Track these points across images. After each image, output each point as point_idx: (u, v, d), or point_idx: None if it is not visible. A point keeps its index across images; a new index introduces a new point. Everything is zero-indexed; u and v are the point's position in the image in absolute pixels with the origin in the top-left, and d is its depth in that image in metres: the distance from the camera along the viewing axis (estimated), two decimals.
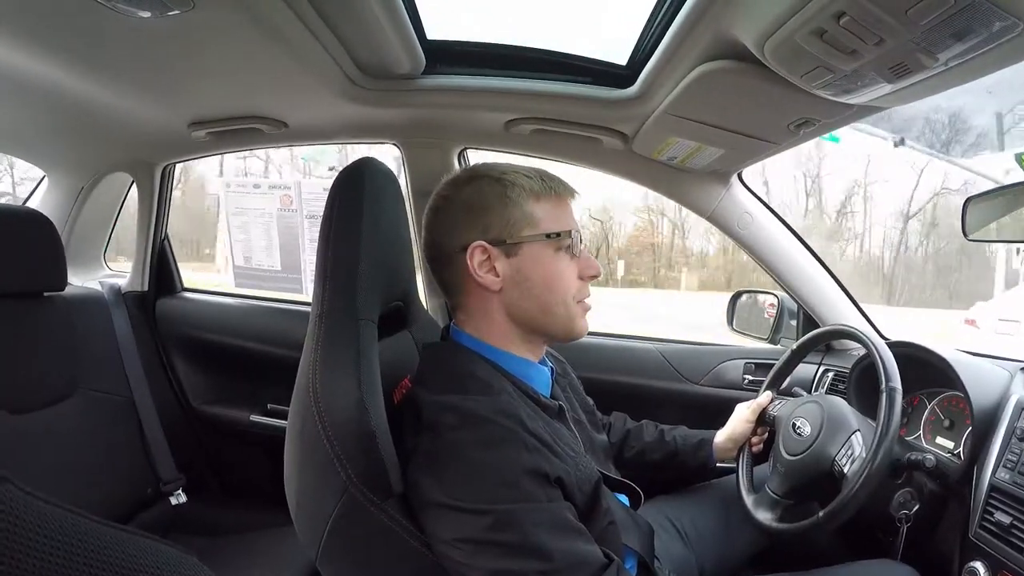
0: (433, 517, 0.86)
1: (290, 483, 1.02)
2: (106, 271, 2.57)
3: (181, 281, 2.50)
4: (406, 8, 1.22)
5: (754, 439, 1.47)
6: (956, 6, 0.78)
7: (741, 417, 1.48)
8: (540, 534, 0.82)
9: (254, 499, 2.04)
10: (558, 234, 1.02)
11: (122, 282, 2.37)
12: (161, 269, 2.41)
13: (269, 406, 2.24)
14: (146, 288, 2.37)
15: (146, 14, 1.09)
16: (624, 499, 1.20)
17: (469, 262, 0.98)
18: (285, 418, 2.09)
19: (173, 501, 2.01)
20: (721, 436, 1.47)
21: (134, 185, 2.35)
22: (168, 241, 2.43)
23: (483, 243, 0.99)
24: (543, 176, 1.05)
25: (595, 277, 1.07)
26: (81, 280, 2.30)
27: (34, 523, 0.44)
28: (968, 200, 1.41)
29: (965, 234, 1.42)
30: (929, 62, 0.93)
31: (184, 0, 1.05)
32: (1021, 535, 1.15)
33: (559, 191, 1.05)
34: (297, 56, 1.31)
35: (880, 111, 1.23)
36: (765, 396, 1.50)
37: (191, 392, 2.35)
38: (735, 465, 1.45)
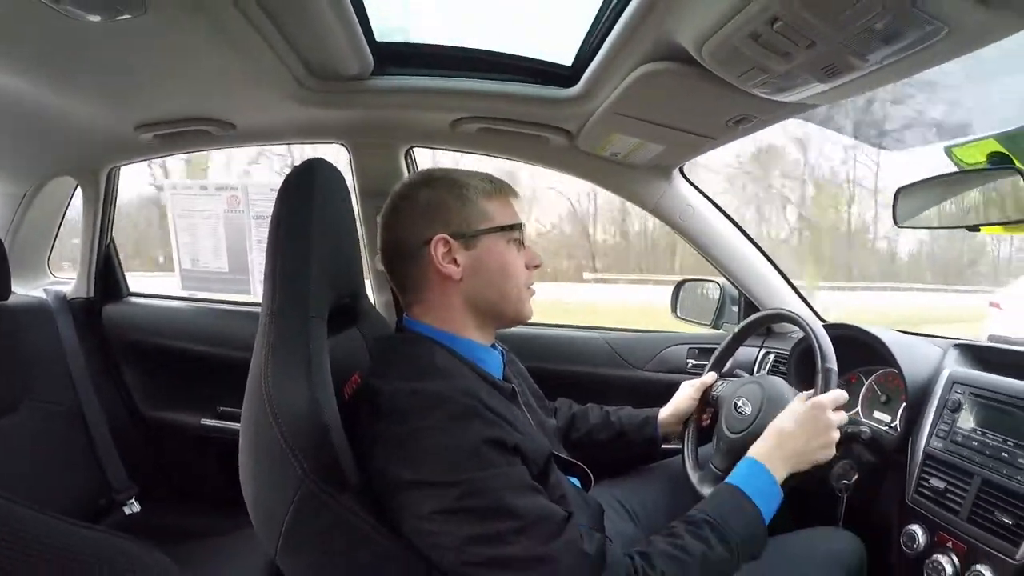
0: (405, 498, 0.91)
1: (246, 481, 1.04)
2: (51, 278, 2.51)
3: (127, 286, 2.46)
4: (355, 10, 1.24)
5: (704, 416, 1.53)
6: (884, 12, 0.84)
7: (685, 394, 1.55)
8: (507, 496, 0.89)
9: (208, 504, 2.02)
10: (511, 227, 1.13)
11: (67, 289, 2.33)
12: (107, 274, 2.37)
13: (220, 409, 2.23)
14: (92, 294, 2.32)
15: (95, 18, 1.08)
16: (575, 481, 1.25)
17: (433, 253, 1.07)
18: (236, 421, 2.09)
19: (127, 511, 1.99)
20: (665, 412, 1.54)
21: (78, 189, 2.30)
22: (114, 246, 2.39)
23: (445, 236, 1.07)
24: (491, 179, 1.17)
25: (538, 267, 1.19)
26: (25, 289, 2.27)
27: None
28: (899, 190, 1.48)
29: (896, 222, 1.48)
30: (858, 63, 0.99)
31: (136, 4, 1.05)
32: (954, 498, 1.23)
33: (506, 191, 1.17)
34: (246, 58, 1.32)
35: (814, 108, 1.30)
36: (710, 376, 1.56)
37: (140, 399, 2.31)
38: (681, 445, 1.50)
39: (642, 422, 1.54)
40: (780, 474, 1.11)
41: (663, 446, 1.55)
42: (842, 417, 1.18)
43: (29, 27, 1.15)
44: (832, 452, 1.16)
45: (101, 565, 0.58)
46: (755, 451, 1.15)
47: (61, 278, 2.52)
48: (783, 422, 1.17)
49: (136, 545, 0.64)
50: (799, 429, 1.14)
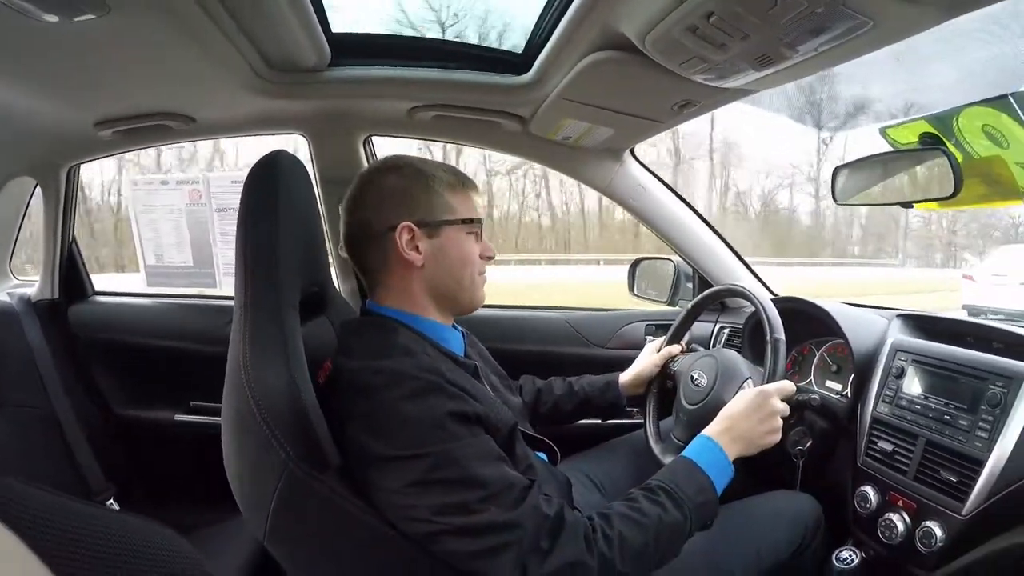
0: (378, 472, 0.95)
1: (231, 470, 1.06)
2: (13, 281, 2.47)
3: (92, 285, 2.43)
4: (311, 2, 1.25)
5: (664, 386, 1.59)
6: (811, 7, 0.90)
7: (648, 359, 1.62)
8: (473, 466, 0.94)
9: (187, 499, 2.02)
10: (471, 220, 1.18)
11: (31, 291, 2.30)
12: (71, 274, 2.33)
13: (192, 404, 2.23)
14: (57, 295, 2.29)
15: (53, 18, 1.08)
16: (542, 456, 1.31)
17: (398, 240, 1.10)
18: (210, 415, 2.11)
19: None
20: (627, 375, 1.61)
21: (38, 189, 2.25)
22: (76, 245, 2.35)
23: (410, 224, 1.11)
24: (456, 172, 1.21)
25: (492, 258, 1.25)
26: None
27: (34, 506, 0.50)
28: (836, 169, 1.54)
29: (835, 199, 1.54)
30: (790, 54, 1.06)
31: (99, 5, 1.05)
32: (902, 459, 1.32)
33: (468, 185, 1.21)
34: (205, 52, 1.32)
35: (754, 93, 1.36)
36: (675, 347, 1.62)
37: (112, 398, 2.30)
38: (643, 419, 1.55)
39: (604, 387, 1.61)
40: (731, 454, 1.16)
41: (627, 420, 1.61)
42: (785, 408, 1.24)
43: None
44: (778, 437, 1.22)
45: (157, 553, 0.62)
46: (709, 430, 1.20)
47: (24, 280, 2.49)
48: (733, 407, 1.22)
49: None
50: (747, 414, 1.20)
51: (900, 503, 1.30)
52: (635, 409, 1.62)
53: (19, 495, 0.53)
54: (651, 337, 2.05)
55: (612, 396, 1.60)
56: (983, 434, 1.20)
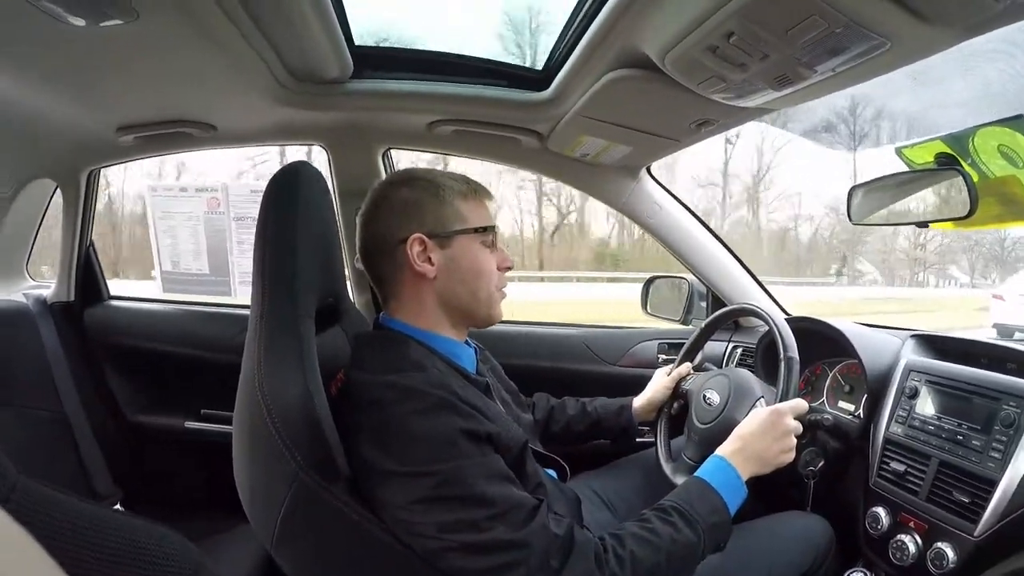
0: (386, 486, 0.94)
1: (241, 478, 1.07)
2: (29, 282, 2.48)
3: (108, 289, 2.44)
4: (336, 15, 1.26)
5: (674, 407, 1.59)
6: (829, 28, 0.91)
7: (659, 383, 1.62)
8: (481, 485, 0.93)
9: (194, 506, 2.02)
10: (484, 229, 1.16)
11: (47, 292, 2.31)
12: (87, 278, 2.34)
13: (203, 412, 2.23)
14: (72, 298, 2.30)
15: (79, 21, 1.09)
16: (552, 473, 1.30)
17: (409, 252, 1.10)
18: (219, 423, 2.11)
19: None
20: (640, 400, 1.61)
21: (57, 191, 2.27)
22: (93, 248, 2.37)
23: (421, 235, 1.10)
24: (467, 180, 1.19)
25: (509, 268, 1.23)
26: (4, 293, 2.24)
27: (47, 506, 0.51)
28: (852, 189, 1.53)
29: (851, 219, 1.54)
30: (808, 74, 1.07)
31: (127, 11, 1.06)
32: (914, 480, 1.31)
33: (481, 193, 1.20)
34: (229, 60, 1.34)
35: (773, 111, 1.37)
36: (685, 367, 1.62)
37: (124, 403, 2.30)
38: (654, 438, 1.55)
39: (618, 410, 1.60)
40: (744, 473, 1.16)
41: (638, 439, 1.60)
42: (798, 427, 1.23)
43: (9, 25, 1.16)
44: (791, 456, 1.21)
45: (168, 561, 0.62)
46: (722, 450, 1.19)
47: (40, 282, 2.50)
48: (746, 427, 1.22)
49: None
50: (760, 433, 1.19)
51: (912, 524, 1.29)
52: (647, 428, 1.61)
53: (35, 494, 0.54)
54: (663, 356, 2.06)
55: (625, 420, 1.59)
56: (996, 455, 1.19)
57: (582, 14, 1.22)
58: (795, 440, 1.22)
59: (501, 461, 1.00)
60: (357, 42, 1.47)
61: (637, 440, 1.61)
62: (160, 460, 2.32)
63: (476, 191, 1.19)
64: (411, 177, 1.17)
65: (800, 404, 1.25)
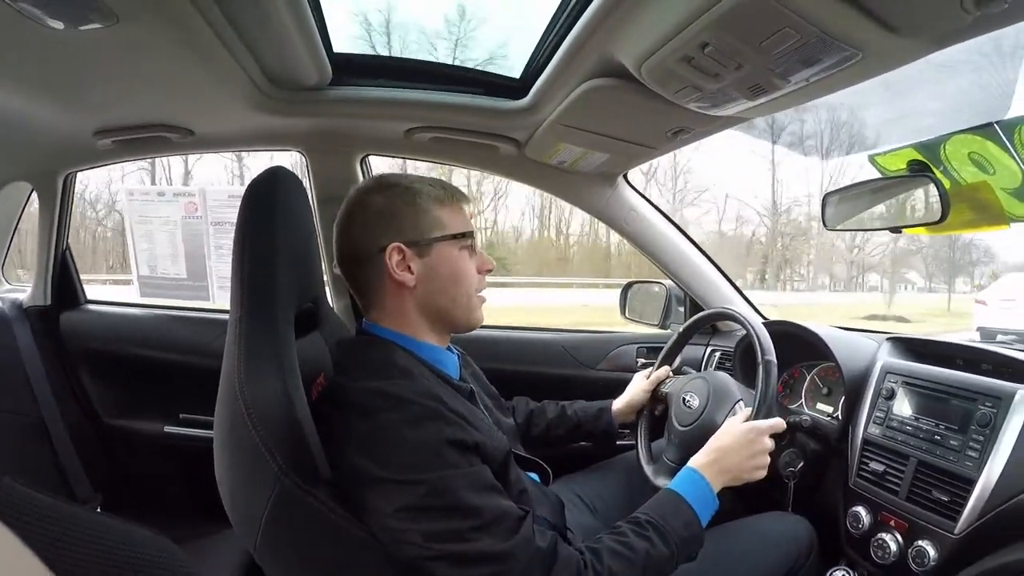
0: (373, 493, 0.94)
1: (223, 481, 1.06)
2: (5, 286, 2.47)
3: (84, 293, 2.42)
4: (315, 22, 1.26)
5: (655, 410, 1.59)
6: (802, 39, 0.93)
7: (639, 386, 1.62)
8: (467, 495, 0.93)
9: (173, 511, 1.99)
10: (463, 234, 1.16)
11: (23, 296, 2.29)
12: (63, 281, 2.31)
13: (182, 416, 2.21)
14: (49, 302, 2.27)
15: (58, 24, 1.08)
16: (535, 477, 1.31)
17: (388, 261, 1.09)
18: (200, 427, 2.09)
19: None
20: (620, 403, 1.61)
21: (33, 194, 2.25)
22: (70, 252, 2.34)
23: (399, 244, 1.09)
24: (444, 185, 1.18)
25: (491, 270, 1.22)
26: None
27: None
28: (826, 196, 1.56)
29: (825, 225, 1.57)
30: (782, 84, 1.09)
31: (107, 14, 1.05)
32: (893, 479, 1.33)
33: (458, 197, 1.19)
34: (208, 66, 1.33)
35: (747, 120, 1.39)
36: (663, 370, 1.62)
37: (101, 407, 2.28)
38: (635, 441, 1.56)
39: (597, 413, 1.60)
40: (716, 485, 1.17)
41: (618, 442, 1.61)
42: (773, 445, 1.25)
43: None
44: (763, 474, 1.23)
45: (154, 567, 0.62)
46: (695, 462, 1.20)
47: (16, 285, 2.48)
48: (723, 439, 1.23)
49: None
50: (736, 448, 1.21)
51: (892, 523, 1.30)
52: (627, 431, 1.62)
53: (20, 496, 0.53)
54: (642, 360, 2.07)
55: (605, 423, 1.59)
56: (974, 454, 1.21)
57: (560, 23, 1.23)
58: (769, 458, 1.24)
59: (487, 471, 1.00)
60: (336, 49, 1.47)
61: (618, 443, 1.62)
62: (139, 464, 2.30)
63: (453, 196, 1.18)
64: (386, 184, 1.16)
65: (778, 423, 1.26)
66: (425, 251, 1.12)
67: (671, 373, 1.62)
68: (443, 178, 1.25)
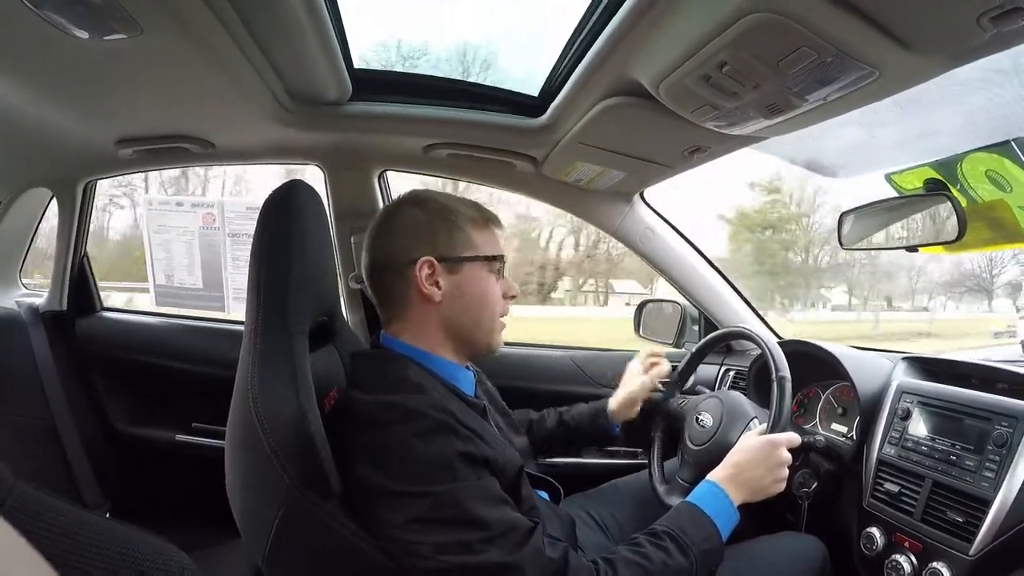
0: (382, 505, 0.95)
1: (233, 492, 1.06)
2: (22, 290, 2.48)
3: (101, 300, 2.43)
4: (336, 38, 1.28)
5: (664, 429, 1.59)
6: (819, 58, 0.94)
7: (636, 379, 1.63)
8: (477, 507, 0.93)
9: (182, 519, 1.95)
10: (494, 257, 1.17)
11: (39, 301, 2.31)
12: (81, 288, 2.33)
13: (194, 425, 2.21)
14: (65, 307, 2.29)
15: (82, 34, 1.10)
16: (544, 495, 1.30)
17: (418, 274, 1.10)
18: (211, 437, 2.09)
19: None
20: (616, 399, 1.61)
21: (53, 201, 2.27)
22: (87, 259, 2.36)
23: (431, 259, 1.11)
24: (479, 208, 1.20)
25: (515, 297, 1.24)
26: None
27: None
28: (843, 215, 1.56)
29: (842, 244, 1.56)
30: (799, 103, 1.10)
31: (132, 26, 1.07)
32: (908, 500, 1.31)
33: (492, 221, 1.21)
34: (231, 79, 1.35)
35: (763, 140, 1.40)
36: (664, 366, 1.64)
37: (114, 414, 2.29)
38: (647, 460, 1.55)
39: (593, 415, 1.61)
40: (736, 500, 1.16)
41: (631, 460, 1.60)
42: (790, 458, 1.23)
43: (13, 35, 1.16)
44: (782, 487, 1.21)
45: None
46: (714, 475, 1.20)
47: (33, 290, 2.50)
48: (741, 454, 1.22)
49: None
50: (755, 462, 1.20)
51: (906, 544, 1.28)
52: (640, 450, 1.62)
53: (30, 500, 0.54)
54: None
55: (602, 423, 1.59)
56: (990, 474, 1.20)
57: (578, 43, 1.24)
58: (787, 472, 1.22)
59: (496, 484, 1.00)
60: (356, 65, 1.49)
61: (631, 461, 1.61)
62: (150, 472, 2.30)
63: (488, 219, 1.20)
64: (425, 199, 1.17)
65: (794, 437, 1.25)
66: (455, 268, 1.13)
67: (670, 367, 1.63)
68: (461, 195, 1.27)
